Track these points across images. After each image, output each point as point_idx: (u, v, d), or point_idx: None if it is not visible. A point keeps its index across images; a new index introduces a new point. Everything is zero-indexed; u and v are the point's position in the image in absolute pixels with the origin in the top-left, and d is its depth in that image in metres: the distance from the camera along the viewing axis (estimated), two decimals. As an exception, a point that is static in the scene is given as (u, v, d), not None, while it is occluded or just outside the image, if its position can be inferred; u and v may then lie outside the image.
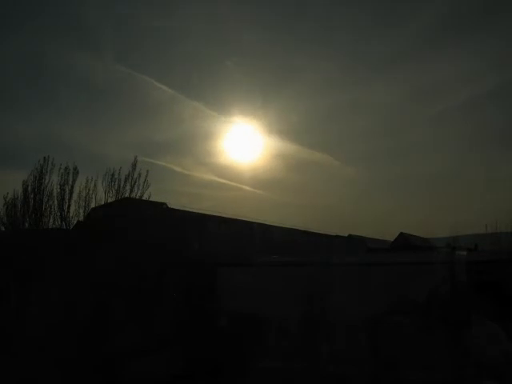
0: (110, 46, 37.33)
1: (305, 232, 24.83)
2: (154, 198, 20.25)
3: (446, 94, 43.57)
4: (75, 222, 19.69)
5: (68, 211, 19.78)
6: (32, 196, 20.15)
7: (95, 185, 19.86)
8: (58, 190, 19.92)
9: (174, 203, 19.67)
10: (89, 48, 38.11)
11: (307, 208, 40.73)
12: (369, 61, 43.06)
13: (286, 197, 46.13)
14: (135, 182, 19.93)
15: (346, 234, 31.51)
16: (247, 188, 37.75)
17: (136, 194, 19.88)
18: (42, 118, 36.06)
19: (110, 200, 19.60)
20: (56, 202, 19.90)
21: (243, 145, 39.34)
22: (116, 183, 19.84)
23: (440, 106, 46.10)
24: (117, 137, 38.10)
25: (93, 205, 19.64)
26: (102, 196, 19.75)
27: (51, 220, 19.86)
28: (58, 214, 19.78)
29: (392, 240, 33.66)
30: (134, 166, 20.16)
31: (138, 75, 38.11)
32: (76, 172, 20.19)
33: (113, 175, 19.85)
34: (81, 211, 19.66)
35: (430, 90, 41.88)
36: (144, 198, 19.97)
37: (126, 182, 19.90)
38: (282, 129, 46.53)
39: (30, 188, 20.28)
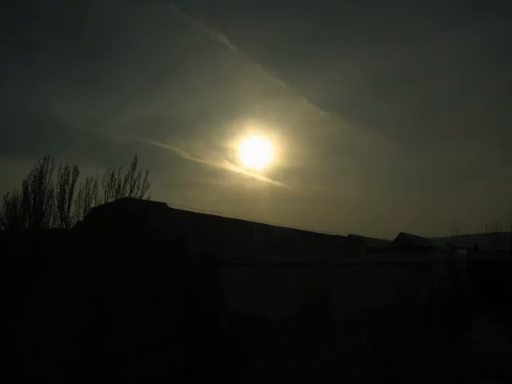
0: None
1: (305, 232, 24.84)
2: (156, 193, 20.27)
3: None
4: (75, 222, 19.71)
5: (68, 211, 19.80)
6: (32, 196, 20.16)
7: (95, 185, 19.89)
8: (58, 190, 19.95)
9: (179, 195, 19.58)
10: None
11: (323, 203, 37.97)
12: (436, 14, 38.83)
13: (306, 189, 41.77)
14: (135, 182, 19.94)
15: (346, 234, 31.56)
16: (264, 179, 34.01)
17: (136, 194, 19.88)
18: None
19: (110, 200, 19.60)
20: (56, 202, 19.93)
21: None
22: (116, 183, 19.86)
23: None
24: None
25: (93, 205, 19.66)
26: (101, 196, 19.78)
27: (51, 220, 19.88)
28: (58, 213, 19.79)
29: (392, 240, 33.72)
30: (134, 165, 20.17)
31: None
32: (76, 172, 20.23)
33: (113, 175, 19.87)
34: (81, 211, 19.69)
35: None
36: (144, 198, 19.98)
37: (126, 182, 19.92)
38: (328, 101, 41.40)
39: (30, 188, 20.31)
